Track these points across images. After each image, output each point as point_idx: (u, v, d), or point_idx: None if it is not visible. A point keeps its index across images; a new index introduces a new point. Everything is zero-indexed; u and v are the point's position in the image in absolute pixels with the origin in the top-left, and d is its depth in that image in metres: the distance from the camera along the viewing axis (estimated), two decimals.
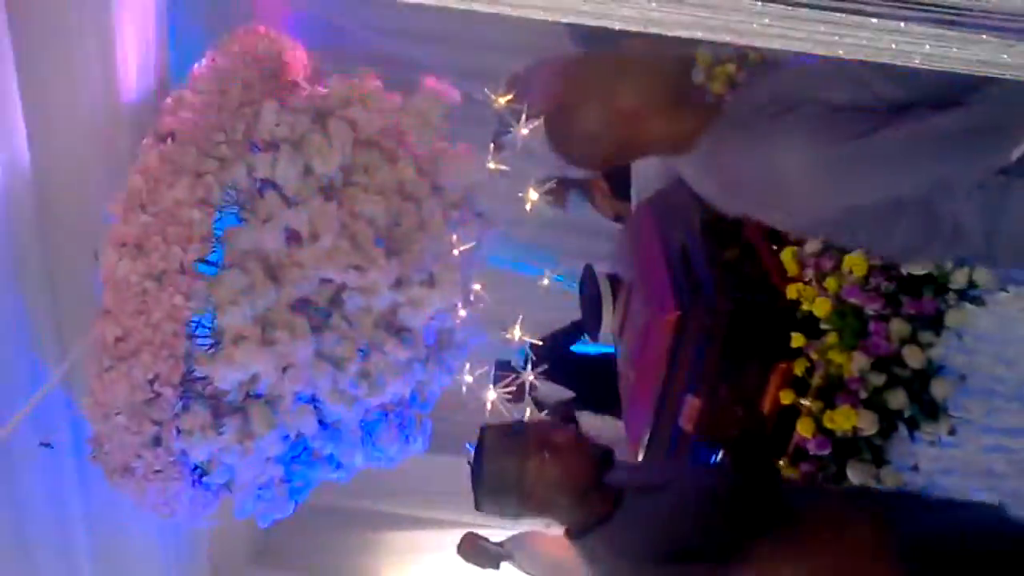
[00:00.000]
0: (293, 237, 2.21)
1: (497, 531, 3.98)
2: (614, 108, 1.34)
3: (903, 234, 1.29)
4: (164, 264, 2.08)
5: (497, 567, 4.01)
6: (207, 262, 2.24)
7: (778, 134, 1.23)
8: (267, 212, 2.18)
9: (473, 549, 3.96)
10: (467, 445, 3.27)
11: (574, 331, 3.52)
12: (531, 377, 3.10)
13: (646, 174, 3.12)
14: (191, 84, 2.30)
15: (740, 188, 1.39)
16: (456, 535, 4.04)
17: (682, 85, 1.33)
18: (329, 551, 4.52)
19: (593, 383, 3.44)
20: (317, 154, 2.22)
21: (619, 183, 3.38)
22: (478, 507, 1.78)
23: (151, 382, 2.12)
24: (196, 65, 2.40)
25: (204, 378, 2.24)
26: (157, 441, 2.21)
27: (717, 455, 2.11)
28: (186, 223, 2.11)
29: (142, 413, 2.16)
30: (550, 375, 3.37)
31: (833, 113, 1.18)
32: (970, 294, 1.93)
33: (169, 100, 2.31)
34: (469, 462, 1.78)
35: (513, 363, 3.10)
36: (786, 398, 2.14)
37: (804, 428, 2.07)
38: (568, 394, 3.59)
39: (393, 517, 4.48)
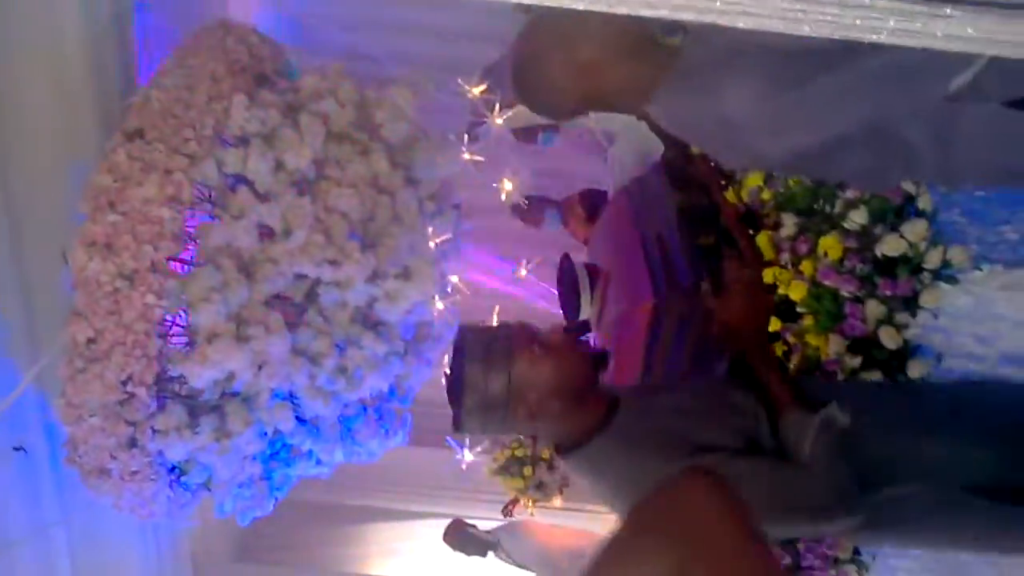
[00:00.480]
0: (266, 233, 2.19)
1: (485, 522, 3.99)
2: (576, 60, 1.34)
3: (858, 164, 1.31)
4: (135, 263, 2.06)
5: (484, 555, 4.02)
6: (180, 260, 2.21)
7: (727, 82, 1.24)
8: (239, 208, 2.15)
9: (460, 536, 3.97)
10: (448, 439, 3.27)
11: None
12: None
13: (623, 162, 3.12)
14: (159, 80, 2.27)
15: (697, 132, 1.40)
16: (440, 526, 4.05)
17: (640, 36, 1.34)
18: (314, 545, 4.52)
19: None
20: (288, 149, 2.19)
21: (593, 208, 3.38)
22: (459, 425, 1.52)
23: (124, 383, 2.10)
24: (164, 60, 2.37)
25: (179, 377, 2.21)
26: (132, 442, 2.19)
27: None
28: (156, 221, 2.09)
29: (116, 414, 2.13)
30: None
31: (782, 59, 1.18)
32: (944, 273, 1.93)
33: (136, 97, 2.28)
34: (446, 373, 1.54)
35: None
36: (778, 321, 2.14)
37: None
38: None
39: (377, 511, 4.48)
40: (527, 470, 3.99)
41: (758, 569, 0.79)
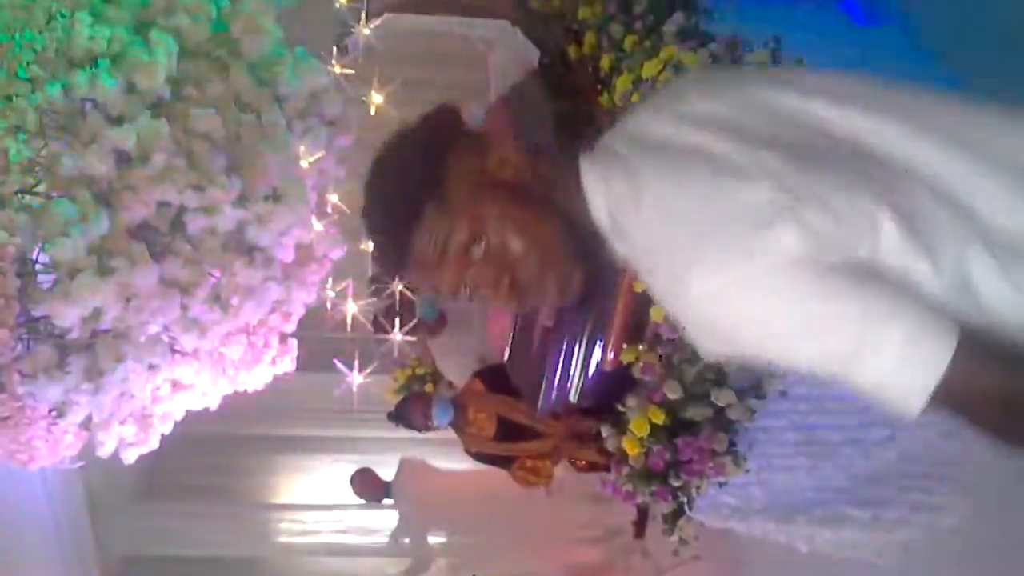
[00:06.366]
0: (123, 159, 2.08)
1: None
2: None
3: None
4: None
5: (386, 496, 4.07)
6: (34, 193, 2.09)
7: None
8: (90, 134, 2.03)
9: (367, 482, 4.01)
10: (335, 361, 3.23)
11: None
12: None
13: (504, 69, 3.08)
14: None
15: None
16: (344, 450, 4.05)
17: None
18: (220, 478, 4.48)
19: None
20: (140, 68, 2.07)
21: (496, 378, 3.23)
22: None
23: None
24: None
25: (46, 317, 2.12)
26: (0, 387, 2.10)
27: None
28: (0, 152, 1.96)
29: None
30: None
31: None
32: None
33: None
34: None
35: None
36: (639, 287, 2.17)
37: (656, 314, 2.11)
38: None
39: (280, 439, 4.46)
40: (428, 387, 4.02)
41: None
